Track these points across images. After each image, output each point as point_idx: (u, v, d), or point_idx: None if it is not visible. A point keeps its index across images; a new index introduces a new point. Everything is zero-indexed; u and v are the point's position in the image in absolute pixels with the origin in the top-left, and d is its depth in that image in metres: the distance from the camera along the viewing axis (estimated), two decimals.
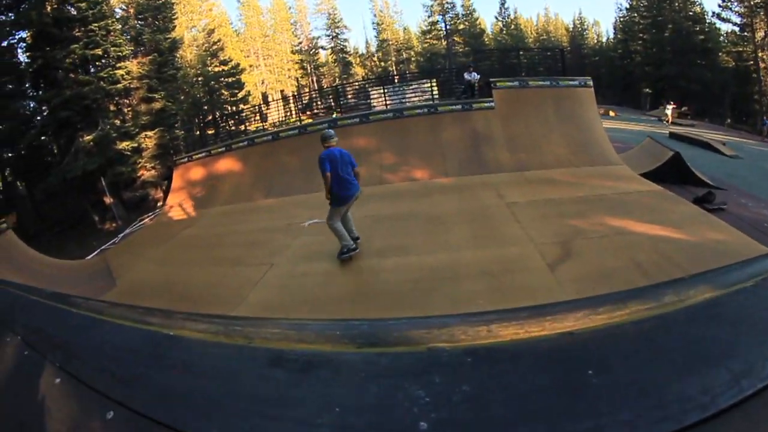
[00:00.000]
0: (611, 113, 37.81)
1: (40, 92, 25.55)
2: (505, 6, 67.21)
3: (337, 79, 63.17)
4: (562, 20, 74.46)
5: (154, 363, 1.49)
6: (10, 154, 27.87)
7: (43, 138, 26.55)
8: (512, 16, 68.15)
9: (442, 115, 13.78)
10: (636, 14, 53.70)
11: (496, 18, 68.33)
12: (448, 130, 13.33)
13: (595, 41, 71.80)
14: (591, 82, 13.52)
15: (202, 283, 8.12)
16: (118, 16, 27.55)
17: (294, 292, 6.69)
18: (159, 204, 23.04)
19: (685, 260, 5.53)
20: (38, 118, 26.22)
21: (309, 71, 65.73)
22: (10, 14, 25.14)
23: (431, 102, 17.03)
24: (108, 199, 23.45)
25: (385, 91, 19.51)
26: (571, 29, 72.07)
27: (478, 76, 16.84)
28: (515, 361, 1.04)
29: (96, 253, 15.48)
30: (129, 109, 26.29)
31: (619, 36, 59.22)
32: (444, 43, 61.13)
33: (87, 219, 24.74)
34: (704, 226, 6.71)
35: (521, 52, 26.59)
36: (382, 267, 6.87)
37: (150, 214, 20.24)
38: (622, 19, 57.65)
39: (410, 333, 1.27)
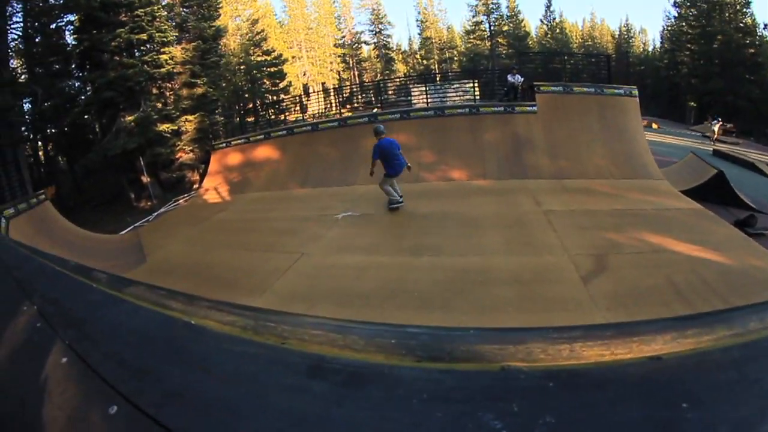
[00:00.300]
0: (654, 125, 36.88)
1: (85, 73, 26.14)
2: (551, 9, 65.92)
3: (379, 75, 63.09)
4: (608, 26, 72.49)
5: (171, 355, 1.31)
6: (53, 130, 28.97)
7: (86, 117, 27.28)
8: (557, 20, 66.87)
9: (484, 116, 13.63)
10: (684, 23, 51.33)
11: (541, 21, 67.07)
12: (489, 132, 13.16)
13: (641, 50, 69.62)
14: (636, 92, 13.15)
15: (231, 267, 8.18)
16: (163, 3, 27.86)
17: (323, 283, 6.67)
18: (195, 186, 23.32)
19: (723, 285, 5.32)
20: (82, 97, 26.80)
21: (351, 65, 65.86)
22: None
23: (473, 102, 16.83)
24: (145, 179, 23.76)
25: (427, 89, 19.36)
26: (617, 36, 70.28)
27: (522, 79, 16.51)
28: (602, 389, 0.86)
29: (129, 229, 15.81)
30: (171, 93, 26.58)
31: (665, 45, 57.02)
32: (487, 44, 60.52)
33: (123, 196, 25.14)
34: (744, 251, 6.42)
35: (566, 57, 25.96)
36: (414, 265, 6.78)
37: (185, 195, 20.54)
38: (669, 28, 55.42)
39: (481, 347, 1.06)
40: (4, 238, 7.13)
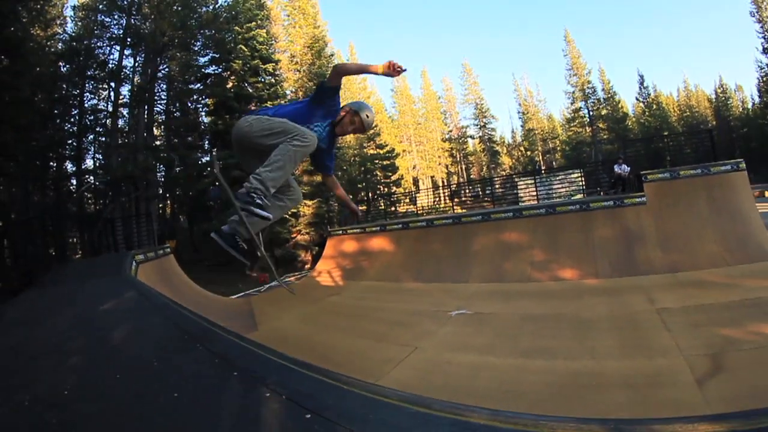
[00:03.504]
0: (766, 193, 34.00)
1: (215, 151, 29.50)
2: (644, 85, 65.79)
3: (485, 168, 64.40)
4: (703, 90, 70.42)
5: None
6: (178, 193, 33.45)
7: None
8: (652, 95, 66.30)
9: (594, 212, 13.67)
10: None
11: (637, 99, 67.09)
12: (600, 229, 13.18)
13: (741, 109, 65.86)
14: (743, 164, 12.76)
15: (345, 350, 8.59)
16: (288, 97, 30.79)
17: (437, 379, 6.84)
18: (307, 266, 24.67)
19: None
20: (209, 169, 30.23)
21: (458, 159, 67.69)
22: (198, 84, 30.84)
23: (582, 197, 17.09)
24: (259, 252, 25.44)
25: (536, 182, 19.78)
26: (713, 100, 67.60)
27: (629, 168, 16.57)
28: None
29: (241, 294, 17.17)
30: None
31: (765, 99, 53.15)
32: (588, 130, 60.31)
33: (237, 263, 26.57)
34: None
35: (666, 139, 25.48)
36: (528, 368, 6.88)
37: (297, 273, 21.88)
38: (765, 79, 51.49)
39: None
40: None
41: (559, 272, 12.36)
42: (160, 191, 32.70)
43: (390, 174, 42.30)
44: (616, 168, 16.75)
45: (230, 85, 28.73)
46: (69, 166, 29.54)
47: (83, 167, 29.60)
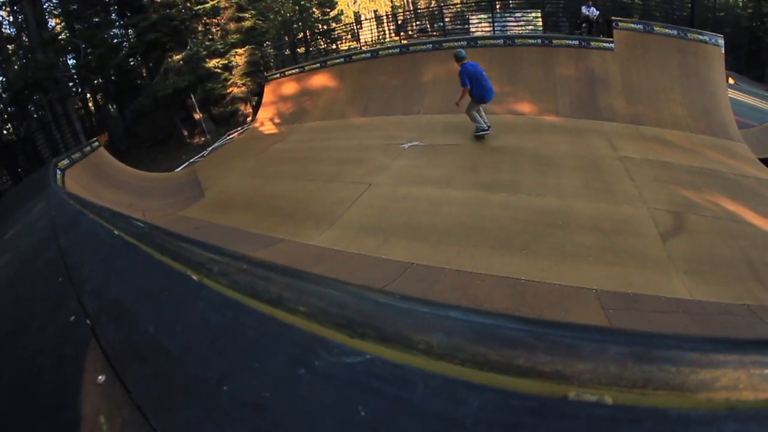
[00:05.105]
0: (730, 80, 34.25)
1: (125, 20, 26.48)
2: None
3: (434, 1, 61.42)
4: None
5: (170, 321, 1.12)
6: (100, 80, 29.95)
7: (131, 62, 27.84)
8: None
9: (557, 49, 12.79)
10: None
11: None
12: (562, 67, 12.41)
13: None
14: (722, 41, 12.00)
15: (295, 198, 8.17)
16: None
17: (394, 217, 6.52)
18: (248, 119, 23.43)
19: None
20: (125, 44, 27.29)
21: None
22: None
23: (545, 33, 16.16)
24: (197, 115, 23.83)
25: (493, 17, 18.67)
26: None
27: (597, 12, 15.62)
28: None
29: (185, 165, 16.22)
30: (218, 28, 26.41)
31: None
32: None
33: (176, 134, 25.45)
34: None
35: None
36: (490, 202, 6.53)
37: (239, 128, 20.82)
38: None
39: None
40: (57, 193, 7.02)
41: (517, 106, 11.78)
42: (77, 89, 29.20)
43: (328, 10, 39.36)
44: (584, 9, 15.68)
45: None
46: None
47: None
